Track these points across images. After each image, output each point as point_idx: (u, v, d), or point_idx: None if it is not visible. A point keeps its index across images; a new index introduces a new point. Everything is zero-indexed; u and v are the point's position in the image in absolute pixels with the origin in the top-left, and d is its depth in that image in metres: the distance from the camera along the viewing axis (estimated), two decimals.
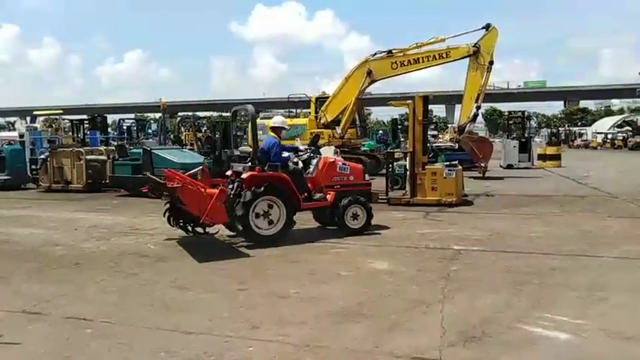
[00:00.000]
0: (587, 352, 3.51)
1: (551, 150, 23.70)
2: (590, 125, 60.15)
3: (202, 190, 6.54)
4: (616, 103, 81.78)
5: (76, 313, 4.42)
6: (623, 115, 58.42)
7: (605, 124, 54.72)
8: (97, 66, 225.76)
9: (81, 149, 15.54)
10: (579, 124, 67.93)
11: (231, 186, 7.09)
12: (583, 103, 78.74)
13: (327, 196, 7.45)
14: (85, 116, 25.21)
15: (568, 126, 64.07)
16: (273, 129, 7.65)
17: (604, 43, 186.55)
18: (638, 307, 4.37)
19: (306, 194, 7.33)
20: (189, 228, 7.23)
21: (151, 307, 4.60)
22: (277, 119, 8.10)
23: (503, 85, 70.16)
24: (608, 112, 74.28)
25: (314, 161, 7.73)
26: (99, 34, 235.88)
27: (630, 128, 51.37)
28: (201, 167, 8.62)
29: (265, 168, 7.06)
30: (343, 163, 7.86)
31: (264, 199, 6.88)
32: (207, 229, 7.29)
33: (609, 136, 49.97)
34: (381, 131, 31.22)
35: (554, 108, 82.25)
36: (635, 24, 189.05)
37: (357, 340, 3.73)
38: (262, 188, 6.83)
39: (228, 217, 6.70)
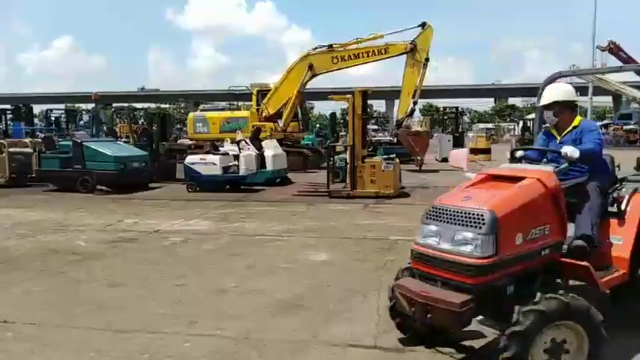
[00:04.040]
0: None
1: (482, 144, 24.97)
2: (517, 121, 63.84)
3: None
4: None
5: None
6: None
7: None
8: (19, 53, 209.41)
9: (3, 141, 14.52)
10: (508, 119, 71.91)
11: None
12: (511, 100, 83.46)
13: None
14: (7, 106, 23.48)
15: (497, 122, 67.61)
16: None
17: (530, 44, 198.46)
18: None
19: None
20: None
21: (81, 306, 4.40)
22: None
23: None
24: (535, 109, 79.05)
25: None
26: (20, 19, 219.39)
27: None
28: None
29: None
30: None
31: None
32: None
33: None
34: (318, 125, 31.48)
35: (486, 104, 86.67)
36: (557, 28, 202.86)
37: (295, 331, 3.78)
38: None
39: None
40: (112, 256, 6.11)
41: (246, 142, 13.07)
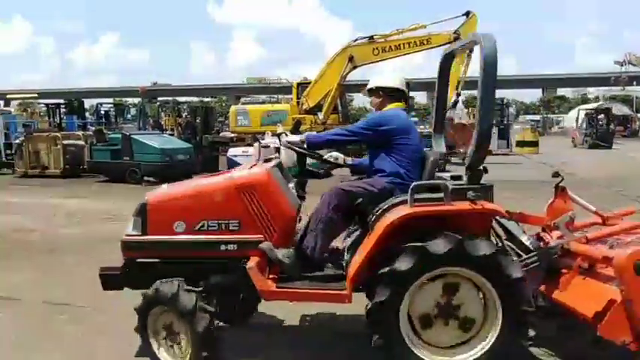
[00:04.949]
0: None
1: (529, 136, 24.12)
2: (567, 113, 61.24)
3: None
4: (592, 91, 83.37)
5: (52, 298, 4.41)
6: (598, 103, 59.65)
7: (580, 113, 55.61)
8: (70, 49, 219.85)
9: (57, 134, 15.27)
10: (557, 111, 69.10)
11: None
12: (560, 91, 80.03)
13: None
14: (61, 100, 24.62)
15: (546, 113, 65.07)
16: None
17: (580, 31, 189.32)
18: None
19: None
20: None
21: (130, 293, 4.57)
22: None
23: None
24: (585, 100, 75.73)
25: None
26: (70, 16, 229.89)
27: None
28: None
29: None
30: None
31: None
32: None
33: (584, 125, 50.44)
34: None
35: (533, 96, 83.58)
36: (609, 13, 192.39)
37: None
38: None
39: None
40: None
41: (287, 135, 13.17)
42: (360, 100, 72.44)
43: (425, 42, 15.05)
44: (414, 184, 2.81)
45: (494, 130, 22.61)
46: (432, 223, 2.74)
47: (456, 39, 14.51)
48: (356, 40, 15.83)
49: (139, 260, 3.10)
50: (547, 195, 3.54)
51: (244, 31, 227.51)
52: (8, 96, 43.58)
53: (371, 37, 15.51)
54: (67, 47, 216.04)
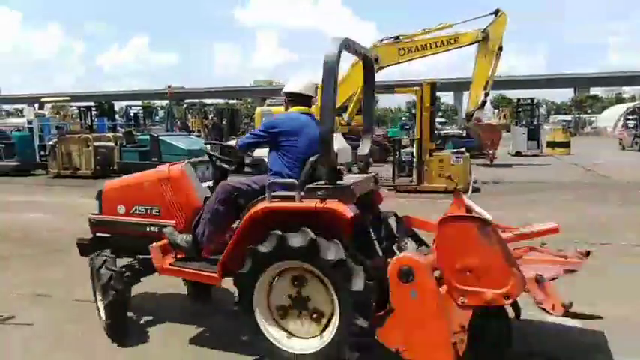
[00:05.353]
0: None
1: (560, 137, 23.50)
2: (600, 113, 59.42)
3: None
4: (627, 90, 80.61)
5: (83, 296, 4.48)
6: (634, 102, 57.69)
7: (615, 112, 53.79)
8: (99, 52, 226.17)
9: (89, 136, 15.65)
10: (589, 111, 67.15)
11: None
12: (593, 91, 77.70)
13: None
14: (92, 103, 25.27)
15: (578, 113, 63.34)
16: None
17: (612, 30, 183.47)
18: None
19: None
20: None
21: (155, 288, 4.64)
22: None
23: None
24: (620, 100, 73.28)
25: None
26: (97, 19, 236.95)
27: None
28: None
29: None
30: None
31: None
32: None
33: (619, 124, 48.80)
34: (404, 118, 31.11)
35: (564, 95, 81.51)
36: None
37: None
38: None
39: None
40: None
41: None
42: (385, 101, 72.04)
43: (452, 41, 14.79)
44: (269, 181, 3.04)
45: (524, 131, 22.12)
46: (290, 219, 2.87)
47: (484, 38, 14.27)
48: (381, 40, 15.70)
49: (98, 234, 3.86)
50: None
51: (266, 32, 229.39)
52: (43, 99, 45.02)
53: (397, 38, 15.32)
54: (96, 51, 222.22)
